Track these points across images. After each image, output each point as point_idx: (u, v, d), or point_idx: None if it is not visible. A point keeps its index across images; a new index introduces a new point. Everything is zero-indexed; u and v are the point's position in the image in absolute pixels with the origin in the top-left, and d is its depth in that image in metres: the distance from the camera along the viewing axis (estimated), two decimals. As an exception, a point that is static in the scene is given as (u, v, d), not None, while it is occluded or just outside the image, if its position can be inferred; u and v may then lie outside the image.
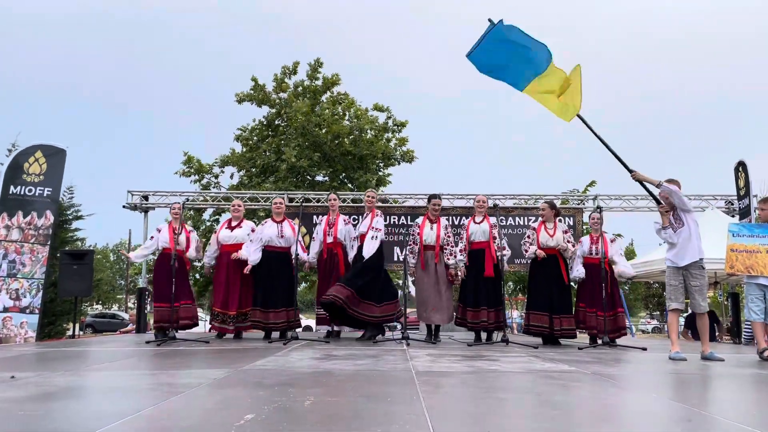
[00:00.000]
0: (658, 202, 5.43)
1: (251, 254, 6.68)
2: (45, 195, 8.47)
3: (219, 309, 6.78)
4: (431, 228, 6.81)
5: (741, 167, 9.94)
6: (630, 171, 5.43)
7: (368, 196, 6.95)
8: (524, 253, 6.87)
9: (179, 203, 7.12)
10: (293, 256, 6.54)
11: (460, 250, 6.71)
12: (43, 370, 3.91)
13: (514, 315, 20.40)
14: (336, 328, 6.85)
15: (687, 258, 5.18)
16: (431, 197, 6.99)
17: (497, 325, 6.57)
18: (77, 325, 10.60)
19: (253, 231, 6.92)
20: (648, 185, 5.44)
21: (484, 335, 6.76)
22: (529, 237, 6.83)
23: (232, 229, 6.91)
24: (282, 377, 3.42)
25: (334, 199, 7.12)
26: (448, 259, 6.72)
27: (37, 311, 8.15)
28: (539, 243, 6.65)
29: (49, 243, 8.40)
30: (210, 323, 7.19)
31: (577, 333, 6.85)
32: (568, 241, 6.72)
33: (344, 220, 7.04)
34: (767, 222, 5.46)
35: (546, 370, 3.99)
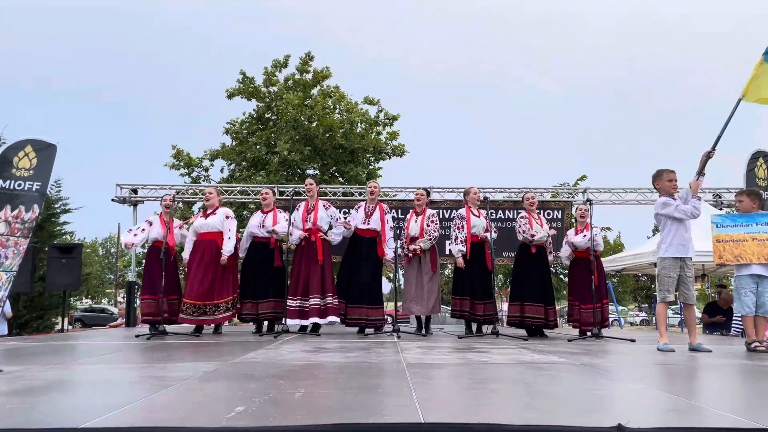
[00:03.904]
0: (698, 175, 5.23)
1: (242, 244, 6.66)
2: (34, 189, 8.34)
3: (191, 300, 6.34)
4: (416, 221, 6.86)
5: (763, 157, 9.69)
6: (714, 149, 5.21)
7: (373, 187, 6.86)
8: (530, 237, 6.80)
9: (170, 195, 7.03)
10: (285, 242, 6.50)
11: (462, 241, 6.66)
12: (32, 364, 3.88)
13: (504, 308, 20.47)
14: (310, 322, 6.43)
15: (691, 250, 5.19)
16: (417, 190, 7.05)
17: (492, 317, 6.63)
18: (66, 320, 10.54)
19: (228, 218, 6.58)
20: (704, 167, 5.22)
21: (474, 326, 6.80)
22: (521, 225, 6.88)
23: (206, 216, 6.60)
24: (272, 370, 3.42)
25: (311, 184, 6.72)
26: (420, 240, 6.68)
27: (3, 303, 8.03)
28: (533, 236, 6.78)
29: (30, 236, 8.29)
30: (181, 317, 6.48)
31: (564, 325, 6.97)
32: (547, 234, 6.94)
33: (324, 206, 6.69)
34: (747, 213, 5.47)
35: (536, 361, 4.01)
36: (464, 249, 6.61)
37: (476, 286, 6.64)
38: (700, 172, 5.24)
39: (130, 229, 6.90)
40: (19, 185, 8.30)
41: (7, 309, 9.65)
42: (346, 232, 6.67)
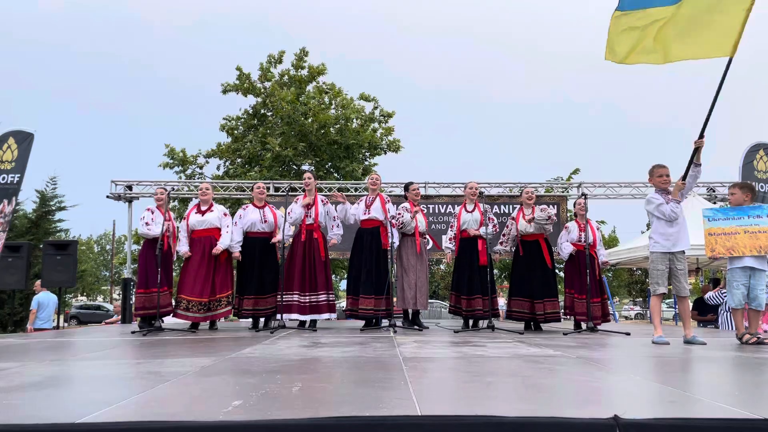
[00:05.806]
0: (684, 177, 5.23)
1: (235, 237, 6.57)
2: (15, 182, 8.27)
3: (195, 297, 6.35)
4: (419, 215, 6.87)
5: (763, 149, 9.59)
6: (702, 136, 5.15)
7: (374, 179, 6.86)
8: (499, 245, 7.00)
9: (163, 189, 7.01)
10: (277, 241, 6.52)
11: (450, 239, 6.75)
12: (28, 360, 3.87)
13: (501, 302, 20.52)
14: (309, 318, 6.49)
15: (681, 244, 5.20)
16: (408, 185, 7.02)
17: (491, 312, 6.62)
18: (62, 317, 10.52)
19: (225, 215, 6.66)
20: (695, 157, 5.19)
21: (470, 321, 6.81)
22: (507, 226, 6.96)
23: (202, 213, 6.60)
24: (269, 364, 3.42)
25: (309, 179, 6.65)
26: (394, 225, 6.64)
27: None
28: (518, 231, 6.77)
29: (8, 229, 8.23)
30: (175, 312, 6.55)
31: (562, 318, 6.96)
32: (542, 210, 6.72)
33: (322, 201, 6.73)
34: (738, 206, 5.48)
35: (532, 354, 4.03)
36: (451, 246, 6.70)
37: (462, 283, 6.70)
38: (689, 167, 5.22)
39: (147, 223, 6.68)
40: (3, 179, 8.24)
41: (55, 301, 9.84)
42: (341, 209, 6.69)
